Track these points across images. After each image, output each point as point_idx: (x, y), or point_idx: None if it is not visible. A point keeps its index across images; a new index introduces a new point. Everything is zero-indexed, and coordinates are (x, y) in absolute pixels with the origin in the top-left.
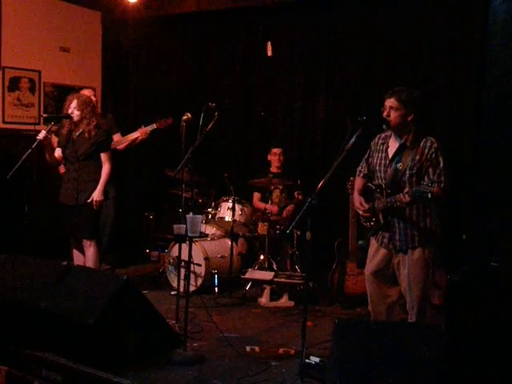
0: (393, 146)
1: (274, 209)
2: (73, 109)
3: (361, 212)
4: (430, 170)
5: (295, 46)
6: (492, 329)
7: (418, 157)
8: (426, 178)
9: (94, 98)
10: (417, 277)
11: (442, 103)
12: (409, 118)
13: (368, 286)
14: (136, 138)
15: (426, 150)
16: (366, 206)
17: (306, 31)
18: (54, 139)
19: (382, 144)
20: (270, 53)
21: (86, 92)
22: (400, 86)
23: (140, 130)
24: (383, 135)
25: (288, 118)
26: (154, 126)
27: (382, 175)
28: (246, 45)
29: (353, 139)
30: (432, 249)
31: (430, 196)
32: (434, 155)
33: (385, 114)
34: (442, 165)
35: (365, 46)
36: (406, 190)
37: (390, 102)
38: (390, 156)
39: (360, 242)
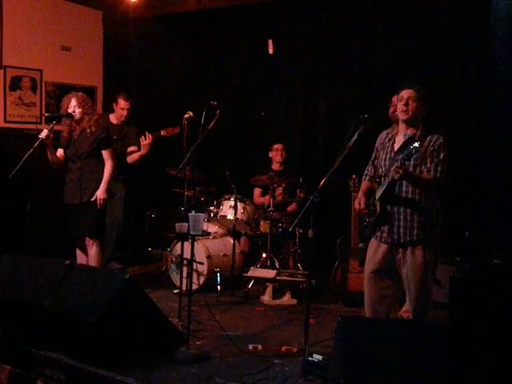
0: (399, 140)
1: (276, 200)
2: (73, 107)
3: (357, 209)
4: (429, 159)
5: (296, 43)
6: (496, 326)
7: (422, 149)
8: (422, 167)
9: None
10: (416, 276)
11: (444, 101)
12: (423, 113)
13: (368, 286)
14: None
15: (431, 143)
16: (363, 205)
17: (307, 28)
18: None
19: (389, 140)
20: (271, 51)
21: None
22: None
23: (147, 135)
24: (390, 133)
25: (290, 115)
26: (161, 133)
27: (387, 168)
28: (247, 43)
29: (354, 137)
30: (432, 247)
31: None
32: (436, 147)
33: (402, 103)
34: (442, 157)
35: (366, 43)
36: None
37: (409, 93)
38: (396, 149)
39: (360, 245)
